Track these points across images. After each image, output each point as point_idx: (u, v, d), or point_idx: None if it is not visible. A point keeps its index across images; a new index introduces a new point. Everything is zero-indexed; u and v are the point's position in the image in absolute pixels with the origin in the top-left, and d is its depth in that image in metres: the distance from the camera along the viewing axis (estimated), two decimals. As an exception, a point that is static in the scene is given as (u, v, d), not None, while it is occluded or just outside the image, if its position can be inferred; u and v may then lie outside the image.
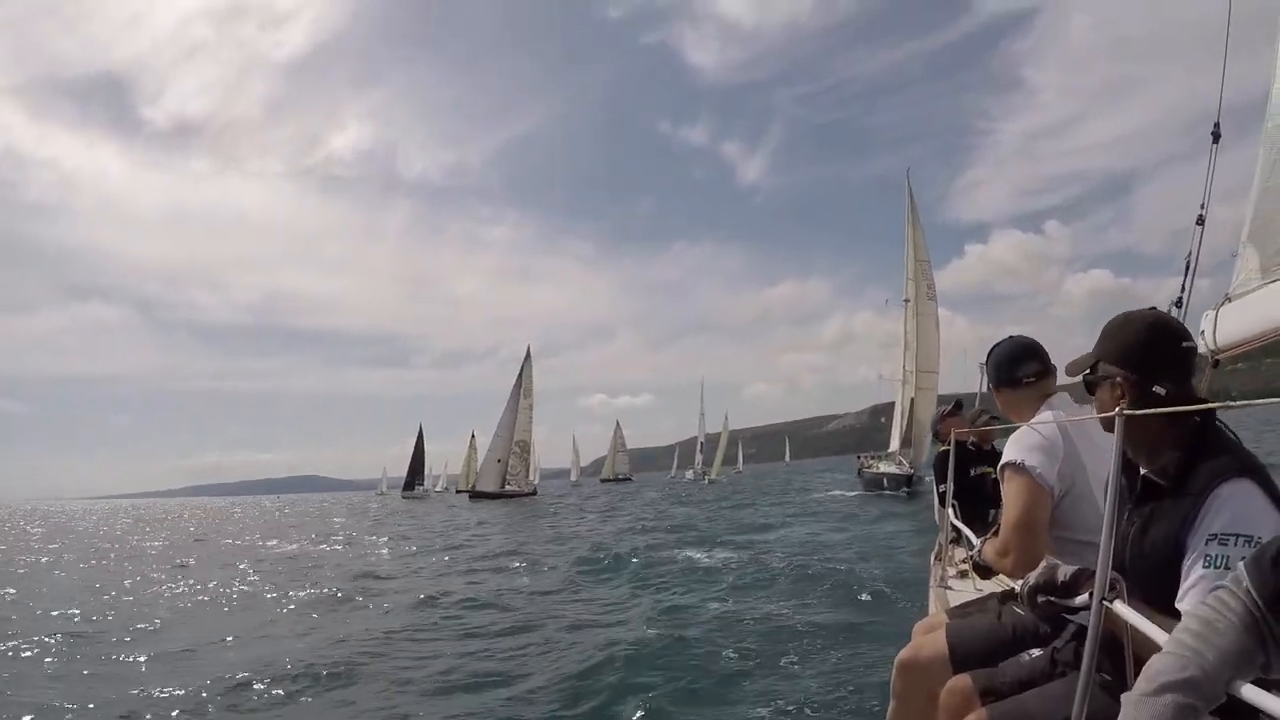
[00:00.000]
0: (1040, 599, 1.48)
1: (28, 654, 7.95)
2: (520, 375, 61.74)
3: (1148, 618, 1.19)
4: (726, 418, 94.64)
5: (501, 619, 9.12)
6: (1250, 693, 0.91)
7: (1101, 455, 1.91)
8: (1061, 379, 2.12)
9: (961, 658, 2.07)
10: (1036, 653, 1.98)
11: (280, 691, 6.22)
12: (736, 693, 5.67)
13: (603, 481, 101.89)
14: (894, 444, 38.56)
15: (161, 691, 6.23)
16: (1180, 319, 3.08)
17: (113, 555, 21.10)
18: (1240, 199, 2.88)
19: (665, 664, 6.44)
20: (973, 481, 4.26)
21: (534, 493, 59.69)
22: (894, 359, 39.83)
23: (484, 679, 6.44)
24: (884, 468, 35.74)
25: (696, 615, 8.56)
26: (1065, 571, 1.45)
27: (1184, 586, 1.33)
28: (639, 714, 5.27)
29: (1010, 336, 2.50)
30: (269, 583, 13.60)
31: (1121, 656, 1.29)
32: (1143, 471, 1.50)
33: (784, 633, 7.40)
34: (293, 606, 10.81)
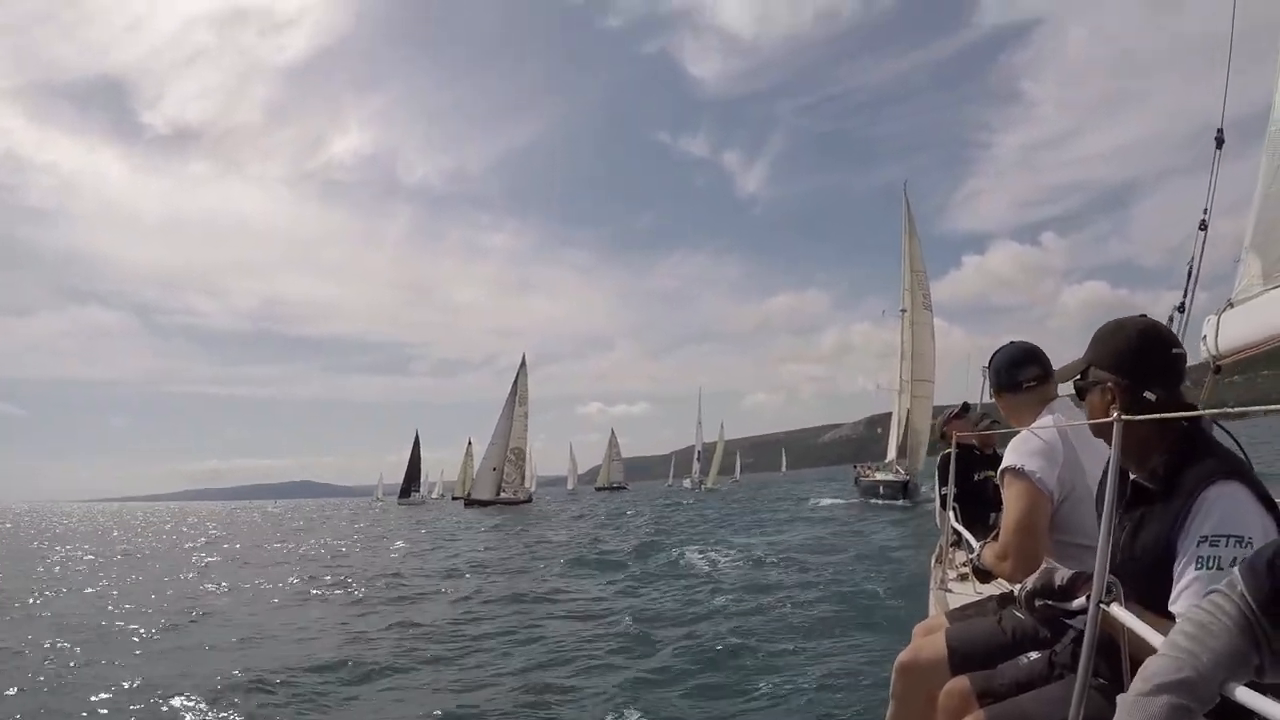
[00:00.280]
0: (1038, 603, 1.49)
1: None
2: (515, 383, 61.70)
3: (1145, 621, 1.20)
4: (722, 427, 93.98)
5: (501, 619, 9.15)
6: (1244, 695, 0.92)
7: (1101, 460, 1.93)
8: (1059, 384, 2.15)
9: (961, 660, 2.07)
10: (1035, 655, 2.00)
11: (305, 686, 6.41)
12: (736, 693, 5.67)
13: (597, 490, 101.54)
14: (891, 453, 38.54)
15: (229, 675, 6.60)
16: (1183, 324, 3.10)
17: (147, 553, 22.07)
18: (1241, 212, 2.92)
19: (664, 666, 6.45)
20: (975, 485, 4.25)
21: (529, 500, 59.56)
22: (890, 369, 39.89)
23: (484, 679, 6.46)
24: (880, 476, 35.72)
25: (694, 617, 8.56)
26: (1063, 575, 1.46)
27: (1177, 589, 1.34)
28: (638, 715, 5.28)
29: (1012, 341, 2.52)
30: (284, 582, 13.98)
31: (1119, 659, 1.30)
32: (1132, 476, 1.51)
33: (782, 634, 7.41)
34: (315, 606, 11.09)
